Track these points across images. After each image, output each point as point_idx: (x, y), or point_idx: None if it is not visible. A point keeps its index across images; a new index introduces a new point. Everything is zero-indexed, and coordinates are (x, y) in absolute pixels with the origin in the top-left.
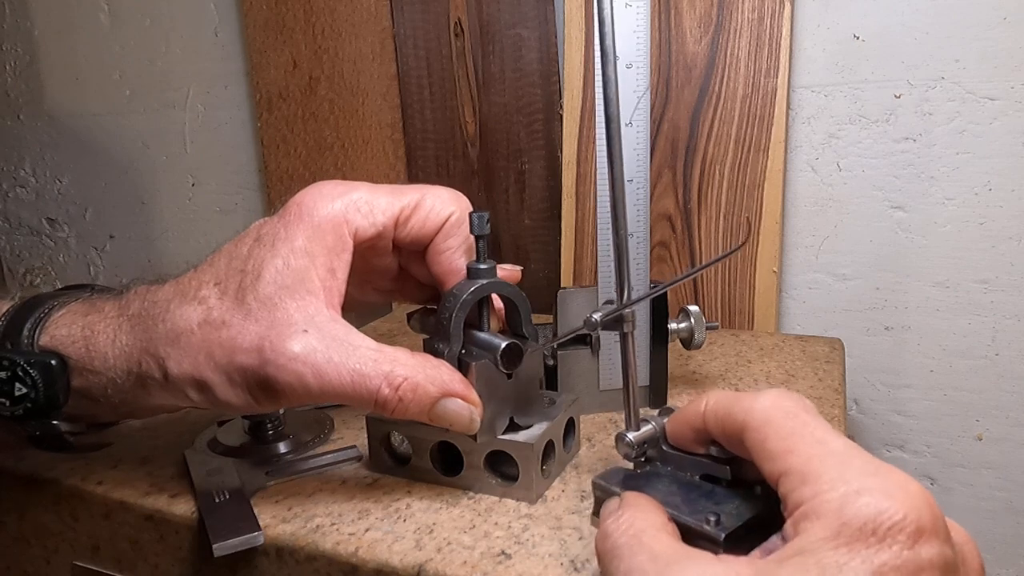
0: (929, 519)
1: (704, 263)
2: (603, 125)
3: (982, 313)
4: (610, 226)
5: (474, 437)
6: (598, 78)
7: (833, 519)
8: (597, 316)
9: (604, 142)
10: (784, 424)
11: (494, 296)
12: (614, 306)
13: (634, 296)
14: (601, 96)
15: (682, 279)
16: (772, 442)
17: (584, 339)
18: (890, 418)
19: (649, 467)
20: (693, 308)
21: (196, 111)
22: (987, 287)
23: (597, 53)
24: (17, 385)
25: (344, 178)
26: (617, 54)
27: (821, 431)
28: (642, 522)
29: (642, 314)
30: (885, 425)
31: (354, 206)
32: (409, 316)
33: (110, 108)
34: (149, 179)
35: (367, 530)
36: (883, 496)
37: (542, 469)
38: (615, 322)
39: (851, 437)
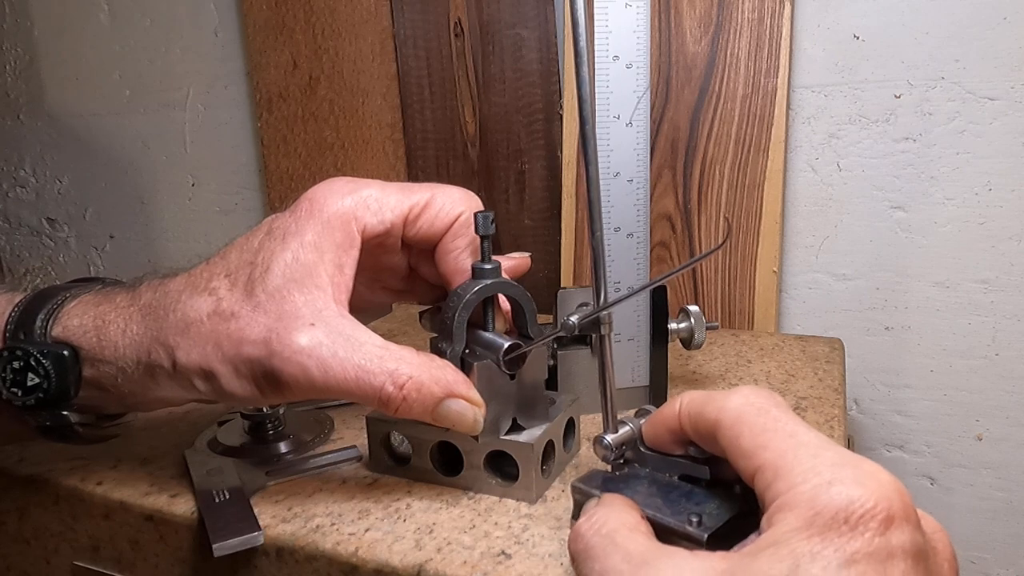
0: (900, 507)
1: (677, 267)
2: (603, 125)
3: (982, 313)
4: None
5: (476, 437)
6: (598, 77)
7: (805, 509)
8: (574, 319)
9: (603, 141)
10: (756, 421)
11: (501, 296)
12: (590, 308)
13: (610, 298)
14: (576, 97)
15: (659, 281)
16: (745, 439)
17: (584, 339)
18: (890, 418)
19: (628, 469)
20: (693, 308)
21: (196, 111)
22: (987, 287)
23: (599, 53)
24: (30, 375)
25: None
26: (616, 54)
27: (792, 425)
28: (615, 521)
29: (642, 314)
30: (885, 425)
31: (364, 203)
32: (421, 315)
33: (110, 108)
34: (149, 179)
35: (367, 530)
36: (854, 485)
37: (542, 469)
38: (592, 324)
39: (851, 437)
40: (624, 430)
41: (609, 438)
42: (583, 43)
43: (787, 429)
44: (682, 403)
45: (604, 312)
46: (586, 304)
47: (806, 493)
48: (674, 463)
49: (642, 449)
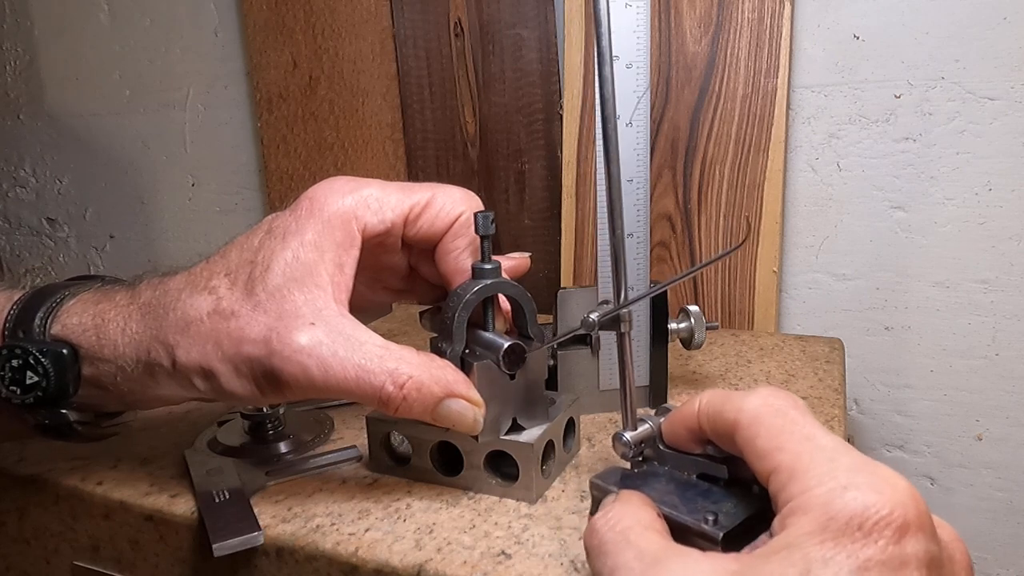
0: (915, 515)
1: (702, 262)
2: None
3: (982, 313)
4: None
5: (476, 437)
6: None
7: (820, 514)
8: (594, 316)
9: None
10: (773, 422)
11: (501, 296)
12: (611, 306)
13: (631, 296)
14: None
15: (680, 278)
16: (762, 440)
17: (584, 339)
18: (890, 418)
19: (647, 466)
20: (693, 308)
21: (196, 111)
22: (987, 287)
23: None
24: (29, 374)
25: None
26: (616, 54)
27: (810, 428)
28: (630, 519)
29: (642, 314)
30: (885, 425)
31: (364, 202)
32: (421, 315)
33: (110, 108)
34: (149, 179)
35: (367, 530)
36: (870, 491)
37: (542, 469)
38: (612, 322)
39: (851, 437)
40: (643, 427)
41: (628, 435)
42: (605, 42)
43: (804, 431)
44: (701, 402)
45: (625, 310)
46: (607, 302)
47: (821, 497)
48: (693, 462)
49: (661, 447)
